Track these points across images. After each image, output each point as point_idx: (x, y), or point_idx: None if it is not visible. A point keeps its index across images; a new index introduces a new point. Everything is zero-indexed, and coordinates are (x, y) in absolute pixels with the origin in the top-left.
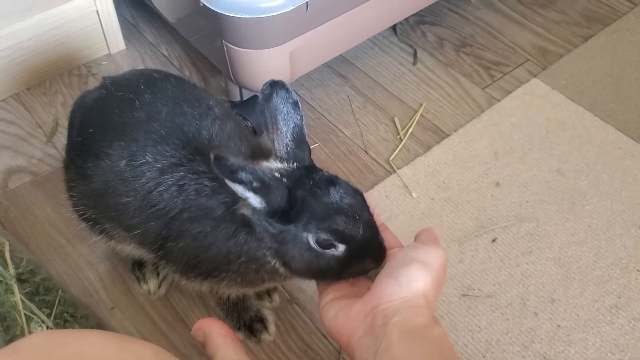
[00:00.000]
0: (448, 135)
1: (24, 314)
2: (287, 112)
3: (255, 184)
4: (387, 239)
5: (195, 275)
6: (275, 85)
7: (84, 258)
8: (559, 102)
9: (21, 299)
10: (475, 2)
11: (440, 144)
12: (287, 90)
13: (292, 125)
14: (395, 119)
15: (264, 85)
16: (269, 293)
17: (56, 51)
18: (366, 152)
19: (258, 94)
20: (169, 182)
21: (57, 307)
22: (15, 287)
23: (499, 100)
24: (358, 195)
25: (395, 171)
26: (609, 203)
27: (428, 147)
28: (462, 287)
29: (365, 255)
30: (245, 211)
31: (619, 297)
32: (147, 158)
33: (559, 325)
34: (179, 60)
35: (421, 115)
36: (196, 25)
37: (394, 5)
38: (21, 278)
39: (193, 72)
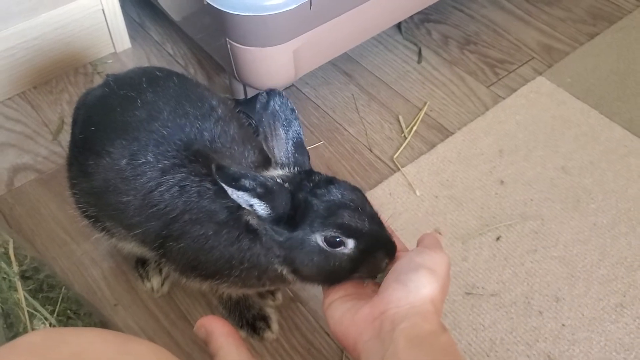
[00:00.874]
0: (452, 134)
1: (27, 311)
2: (286, 118)
3: (259, 190)
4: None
5: (195, 275)
6: (271, 94)
7: (87, 255)
8: (564, 100)
9: (24, 296)
10: (481, 0)
11: (445, 142)
12: (283, 97)
13: (291, 131)
14: (400, 117)
15: (260, 94)
16: (272, 292)
17: (62, 50)
18: (370, 150)
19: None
20: (170, 183)
21: (60, 304)
22: (19, 284)
23: (504, 98)
24: (357, 191)
25: (399, 169)
26: (614, 201)
27: (432, 145)
28: (466, 285)
29: (375, 250)
30: (251, 220)
31: (624, 296)
32: (149, 157)
33: (563, 324)
34: (184, 59)
35: (425, 113)
36: (201, 23)
37: (398, 3)
38: (25, 275)
39: (198, 70)
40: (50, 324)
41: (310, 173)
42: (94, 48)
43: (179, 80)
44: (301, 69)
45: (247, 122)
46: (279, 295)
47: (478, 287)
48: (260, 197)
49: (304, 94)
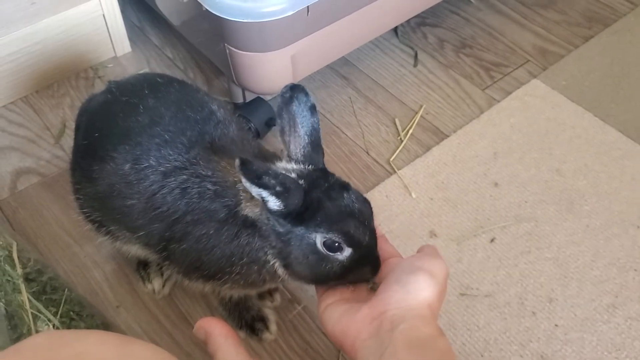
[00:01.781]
0: (448, 136)
1: (31, 312)
2: (306, 115)
3: (278, 188)
4: (386, 249)
5: (198, 276)
6: (295, 89)
7: (90, 258)
8: (558, 103)
9: (28, 298)
10: (476, 3)
11: (440, 145)
12: (306, 94)
13: (310, 129)
14: (396, 120)
15: (283, 88)
16: (270, 293)
17: (64, 54)
18: (367, 153)
19: (261, 96)
20: (172, 185)
21: (63, 305)
22: (23, 287)
23: (499, 101)
24: (367, 204)
25: (395, 172)
26: (608, 203)
27: (428, 148)
28: (461, 286)
29: (365, 264)
30: (249, 212)
31: (616, 297)
32: (151, 161)
33: (556, 325)
34: (184, 63)
35: (421, 116)
36: (200, 28)
37: (394, 7)
38: (29, 277)
39: (197, 74)
40: (54, 326)
41: (325, 173)
42: (94, 52)
43: (180, 86)
44: (299, 73)
45: (246, 126)
46: (277, 297)
47: (472, 288)
48: (278, 195)
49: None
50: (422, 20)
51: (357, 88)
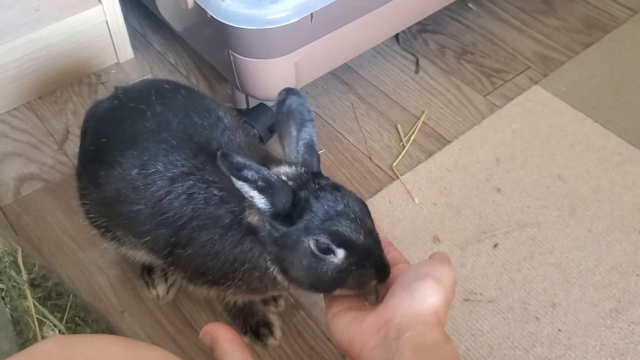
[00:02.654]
0: (450, 142)
1: (37, 318)
2: (301, 118)
3: (260, 183)
4: (393, 255)
5: (203, 282)
6: (290, 92)
7: (94, 263)
8: (559, 109)
9: (34, 304)
10: (477, 10)
11: (442, 151)
12: (301, 97)
13: (304, 132)
14: (398, 126)
15: (280, 92)
16: (274, 299)
17: (67, 61)
18: (370, 159)
19: (264, 102)
20: (179, 191)
21: (68, 311)
22: (28, 292)
23: (500, 107)
24: (361, 204)
25: (398, 177)
26: (609, 208)
27: (430, 154)
28: (464, 291)
29: (366, 267)
30: (252, 219)
31: (619, 302)
32: (158, 167)
33: (559, 330)
34: (186, 69)
35: (423, 122)
36: (203, 34)
37: (396, 14)
38: (34, 283)
39: (200, 80)
40: (60, 331)
41: (317, 176)
42: (97, 59)
43: (187, 93)
44: (302, 79)
45: (251, 132)
46: (282, 302)
47: (476, 294)
48: (260, 190)
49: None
50: (423, 27)
51: (359, 94)
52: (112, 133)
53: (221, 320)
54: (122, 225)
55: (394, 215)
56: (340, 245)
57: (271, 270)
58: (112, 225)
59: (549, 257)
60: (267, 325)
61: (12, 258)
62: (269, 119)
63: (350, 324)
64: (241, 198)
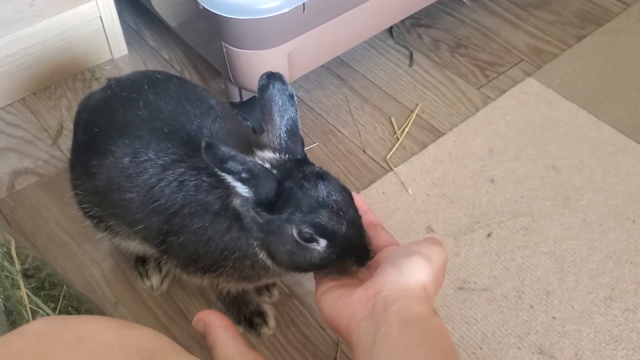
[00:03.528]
0: (443, 134)
1: (30, 308)
2: (283, 104)
3: (244, 175)
4: (385, 237)
5: (195, 269)
6: (272, 77)
7: (88, 255)
8: (553, 101)
9: (27, 294)
10: (470, 4)
11: (436, 143)
12: (283, 82)
13: (286, 118)
14: (392, 119)
15: (261, 76)
16: (268, 288)
17: (61, 56)
18: (364, 151)
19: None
20: (170, 178)
21: (62, 301)
22: (21, 282)
23: (494, 100)
24: (345, 193)
25: (392, 169)
26: (603, 198)
27: (424, 146)
28: (458, 280)
29: (347, 254)
30: (236, 202)
31: (613, 289)
32: (150, 155)
33: (554, 317)
34: (180, 64)
35: (417, 115)
36: (196, 28)
37: (389, 7)
38: (27, 274)
39: (194, 74)
40: None
41: (302, 163)
42: (92, 55)
43: (179, 82)
44: (296, 72)
45: (244, 124)
46: (276, 292)
47: (470, 282)
48: (243, 181)
49: (298, 97)
50: (416, 21)
51: (353, 88)
52: (104, 123)
53: (215, 310)
54: (115, 214)
55: (388, 206)
56: (322, 235)
57: (260, 256)
58: (105, 215)
59: (542, 246)
60: (261, 314)
61: (5, 249)
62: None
63: (338, 298)
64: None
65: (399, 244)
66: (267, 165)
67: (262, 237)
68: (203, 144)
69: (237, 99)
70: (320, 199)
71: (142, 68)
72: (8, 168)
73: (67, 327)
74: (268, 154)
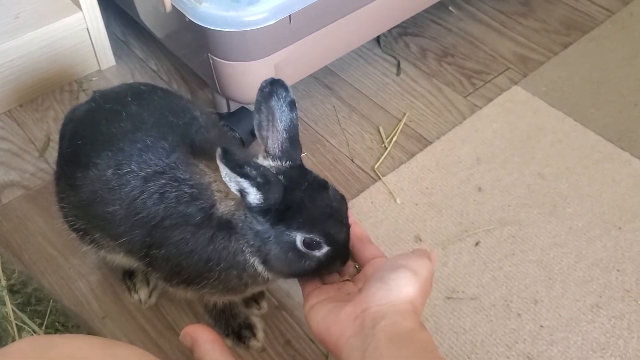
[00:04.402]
0: (431, 143)
1: (16, 324)
2: (285, 110)
3: (259, 180)
4: (371, 250)
5: (179, 282)
6: (274, 84)
7: (75, 269)
8: (539, 108)
9: (13, 309)
10: (457, 13)
11: (424, 152)
12: (286, 89)
13: (288, 124)
14: (380, 128)
15: (263, 82)
16: (257, 300)
17: (48, 68)
18: (352, 161)
19: (245, 106)
20: (152, 190)
21: (48, 316)
22: (7, 298)
23: (480, 108)
24: (343, 201)
25: (380, 178)
26: (589, 205)
27: (412, 155)
28: (447, 289)
29: (337, 257)
30: (224, 209)
31: (600, 297)
32: (133, 166)
33: (541, 326)
34: (168, 75)
35: (405, 124)
36: (183, 40)
37: (377, 17)
38: (13, 289)
39: (181, 85)
40: None
41: (303, 170)
42: (79, 66)
43: (163, 94)
44: None
45: (231, 134)
46: (264, 304)
47: (458, 291)
48: (259, 186)
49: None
50: (404, 30)
51: (341, 97)
52: (88, 135)
53: (203, 323)
54: (99, 227)
55: (376, 215)
56: (329, 243)
57: (251, 263)
58: (90, 228)
59: (530, 254)
60: (250, 327)
61: None
62: (250, 123)
63: (327, 314)
64: (210, 193)
65: (385, 256)
66: (275, 173)
67: (259, 244)
68: (219, 150)
69: (224, 110)
70: (328, 209)
71: (130, 79)
72: None
73: (51, 346)
74: (268, 161)
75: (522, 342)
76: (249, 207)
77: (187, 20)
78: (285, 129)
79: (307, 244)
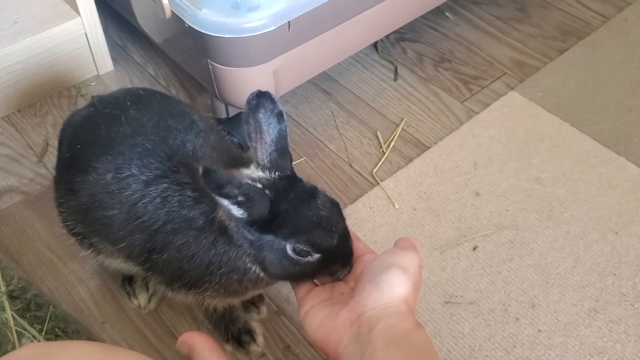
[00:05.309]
0: (428, 148)
1: (16, 330)
2: (272, 122)
3: (240, 198)
4: (359, 247)
5: (180, 286)
6: (260, 96)
7: (74, 274)
8: (536, 114)
9: (12, 316)
10: (454, 18)
11: (421, 157)
12: (272, 100)
13: (276, 135)
14: (378, 133)
15: (250, 95)
16: (256, 305)
17: (46, 73)
18: (350, 166)
19: (243, 111)
20: (153, 194)
21: (48, 322)
22: (7, 304)
23: (477, 113)
24: (335, 207)
25: (378, 183)
26: (586, 210)
27: (409, 160)
28: (445, 294)
29: (336, 261)
30: (224, 217)
31: (597, 301)
32: (133, 170)
33: (539, 330)
34: (166, 80)
35: (402, 129)
36: (182, 45)
37: (374, 23)
38: (12, 295)
39: (180, 90)
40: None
41: (292, 180)
42: (77, 71)
43: (162, 98)
44: (281, 88)
45: (230, 139)
46: (264, 309)
47: (456, 296)
48: (239, 204)
49: (284, 112)
50: (401, 36)
51: (339, 102)
52: (87, 139)
53: (203, 328)
54: (98, 231)
55: (374, 220)
56: (318, 252)
57: (252, 269)
58: (89, 233)
59: (528, 259)
60: (249, 332)
61: None
62: None
63: (324, 321)
64: (212, 197)
65: (373, 252)
66: (259, 186)
67: (254, 252)
68: (200, 169)
69: (223, 115)
70: (315, 218)
71: (128, 84)
72: None
73: (52, 353)
74: (256, 172)
75: (521, 347)
76: (235, 218)
77: (187, 26)
78: (273, 141)
79: (297, 252)
